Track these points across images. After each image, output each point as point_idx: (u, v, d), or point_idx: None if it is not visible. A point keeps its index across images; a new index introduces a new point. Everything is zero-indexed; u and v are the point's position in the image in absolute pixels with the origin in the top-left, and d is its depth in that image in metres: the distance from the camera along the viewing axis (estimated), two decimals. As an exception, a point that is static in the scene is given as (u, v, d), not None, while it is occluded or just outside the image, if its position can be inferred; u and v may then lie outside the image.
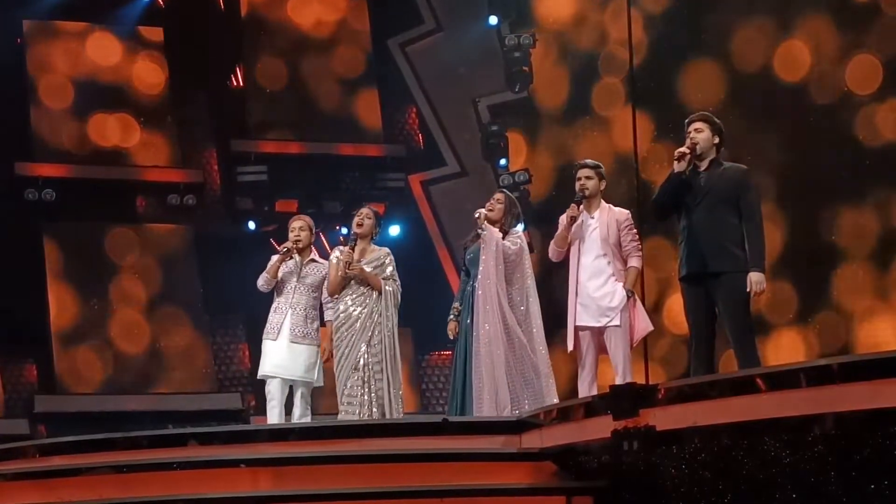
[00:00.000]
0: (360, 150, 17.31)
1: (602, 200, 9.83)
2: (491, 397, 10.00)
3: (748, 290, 8.56)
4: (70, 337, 16.01)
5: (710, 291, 8.65)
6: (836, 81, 13.75)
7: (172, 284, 16.41)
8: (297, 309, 10.58)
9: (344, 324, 10.50)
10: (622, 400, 7.52)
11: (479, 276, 10.27)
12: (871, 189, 13.41)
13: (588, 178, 9.76)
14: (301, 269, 10.65)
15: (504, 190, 10.87)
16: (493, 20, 16.96)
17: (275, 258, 10.63)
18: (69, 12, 16.59)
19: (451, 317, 10.57)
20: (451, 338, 10.55)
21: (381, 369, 10.39)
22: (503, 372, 10.03)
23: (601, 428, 7.63)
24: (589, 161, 9.98)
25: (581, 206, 9.70)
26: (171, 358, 16.21)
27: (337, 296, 10.52)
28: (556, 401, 9.97)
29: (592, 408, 7.94)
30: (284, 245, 10.65)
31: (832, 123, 13.65)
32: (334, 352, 10.54)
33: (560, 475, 8.23)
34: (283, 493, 8.11)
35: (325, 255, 10.88)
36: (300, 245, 10.66)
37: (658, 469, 7.33)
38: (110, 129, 16.60)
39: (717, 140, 8.86)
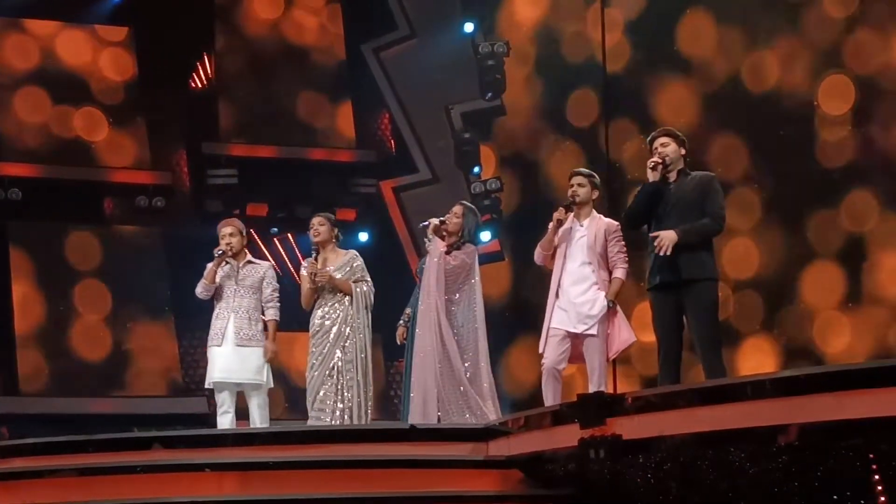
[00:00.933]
0: (332, 155, 17.33)
1: (593, 210, 9.90)
2: (420, 408, 10.10)
3: (657, 240, 8.68)
4: (34, 338, 15.96)
5: (679, 300, 8.72)
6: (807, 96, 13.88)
7: (140, 287, 16.37)
8: (240, 312, 10.63)
9: (319, 331, 10.57)
10: (589, 409, 7.57)
11: (422, 291, 10.40)
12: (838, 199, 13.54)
13: (580, 185, 9.81)
14: (238, 272, 10.70)
15: (464, 203, 10.88)
16: (469, 28, 17.00)
17: (210, 265, 10.68)
18: (37, 10, 16.54)
19: (401, 322, 10.69)
20: (399, 343, 10.67)
21: (353, 376, 10.45)
22: (433, 384, 10.12)
23: (568, 436, 7.67)
24: (583, 169, 10.07)
25: (570, 212, 9.77)
26: (137, 361, 16.18)
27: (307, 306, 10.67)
28: (493, 416, 10.04)
29: (560, 416, 7.99)
30: (218, 249, 10.69)
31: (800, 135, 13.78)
32: (308, 358, 10.60)
33: (527, 483, 8.27)
34: (249, 497, 8.13)
35: (297, 263, 10.94)
36: (232, 250, 10.70)
37: (624, 478, 7.37)
38: (79, 130, 16.57)
39: (683, 151, 8.98)
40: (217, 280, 10.68)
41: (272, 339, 10.62)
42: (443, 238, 10.54)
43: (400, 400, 16.68)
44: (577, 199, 9.77)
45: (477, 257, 10.64)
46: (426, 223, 10.54)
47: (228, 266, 10.72)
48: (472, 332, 10.37)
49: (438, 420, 10.06)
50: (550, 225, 9.78)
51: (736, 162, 14.03)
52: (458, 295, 10.41)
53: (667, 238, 8.69)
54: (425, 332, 10.27)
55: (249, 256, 10.87)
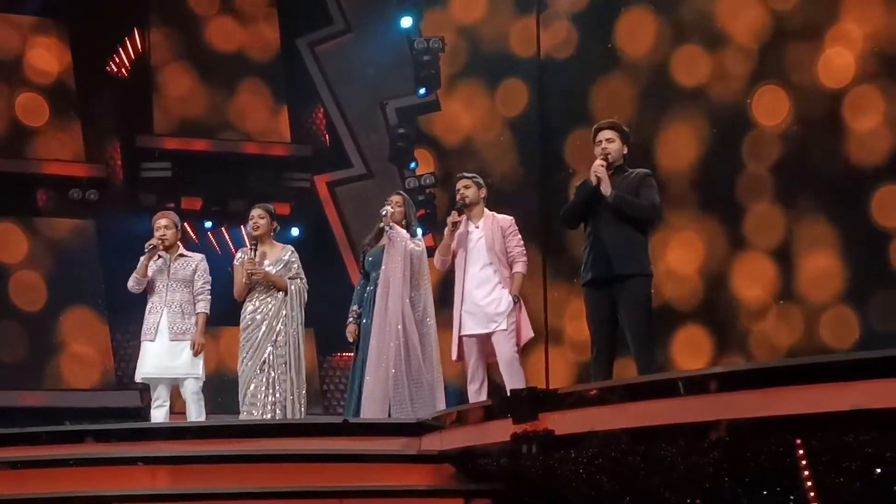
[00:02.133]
0: (267, 149, 17.24)
1: (485, 209, 9.99)
2: (377, 402, 10.05)
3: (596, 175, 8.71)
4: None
5: (613, 296, 8.73)
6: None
7: (73, 280, 16.22)
8: (173, 306, 10.58)
9: (250, 325, 10.52)
10: (522, 404, 7.59)
11: (381, 279, 10.31)
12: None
13: (466, 187, 10.01)
14: (170, 266, 10.65)
15: (401, 192, 10.93)
16: (407, 23, 16.95)
17: (142, 258, 10.61)
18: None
19: (351, 319, 10.63)
20: (351, 340, 10.60)
21: (286, 370, 10.40)
22: (392, 376, 10.08)
23: (501, 431, 7.69)
24: (466, 172, 10.24)
25: (462, 215, 9.84)
26: (70, 354, 16.04)
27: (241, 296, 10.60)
28: (443, 406, 10.06)
29: (492, 411, 8.00)
30: (150, 243, 10.63)
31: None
32: (239, 352, 10.56)
33: (459, 477, 8.28)
34: (181, 491, 8.09)
35: (230, 257, 10.87)
36: (166, 242, 10.66)
37: (556, 473, 7.40)
38: (8, 122, 16.37)
39: (625, 150, 8.98)
40: (149, 274, 10.62)
41: (201, 333, 10.57)
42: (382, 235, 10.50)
43: (332, 395, 16.74)
44: (468, 201, 9.87)
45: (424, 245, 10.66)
46: (384, 212, 10.45)
47: (161, 260, 10.67)
48: (425, 325, 10.33)
49: (389, 414, 10.01)
50: (446, 230, 9.87)
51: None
52: (415, 285, 10.37)
53: (600, 170, 8.72)
54: (389, 322, 10.18)
55: (182, 249, 10.81)
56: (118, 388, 16.06)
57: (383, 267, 10.33)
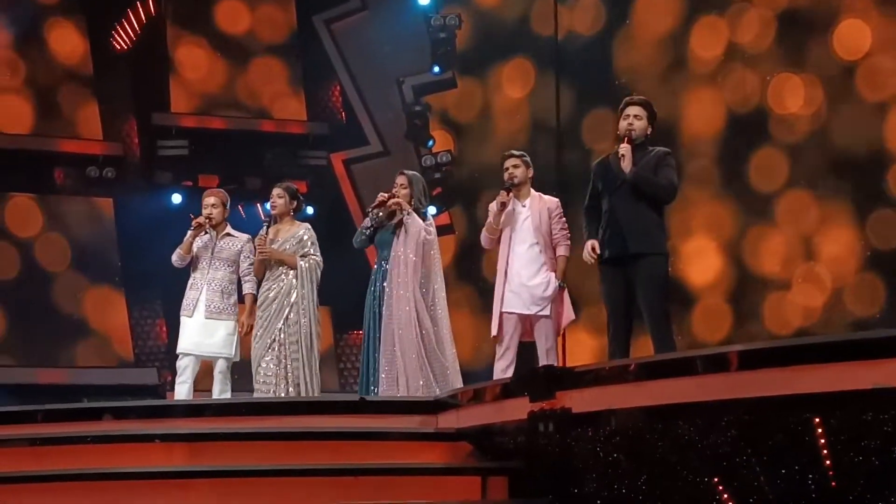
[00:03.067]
0: (283, 126, 17.20)
1: (531, 188, 9.94)
2: (400, 383, 9.99)
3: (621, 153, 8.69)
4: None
5: (628, 274, 8.69)
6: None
7: (90, 258, 16.23)
8: (213, 284, 10.57)
9: (263, 302, 10.54)
10: (539, 382, 7.55)
11: (392, 264, 10.23)
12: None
13: (515, 166, 9.93)
14: (216, 244, 10.63)
15: (405, 172, 10.65)
16: (424, 0, 16.85)
17: (188, 234, 10.59)
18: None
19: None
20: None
21: (298, 349, 10.39)
22: (413, 360, 10.02)
23: (517, 409, 7.65)
24: (514, 150, 10.14)
25: (510, 194, 9.77)
26: (88, 331, 16.05)
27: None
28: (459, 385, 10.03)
29: (509, 389, 7.97)
30: (197, 220, 10.61)
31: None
32: (253, 329, 10.54)
33: (476, 455, 8.25)
34: (198, 468, 8.06)
35: (245, 233, 10.83)
36: (213, 221, 10.64)
37: (573, 451, 7.35)
38: (27, 100, 16.35)
39: (650, 130, 8.92)
40: (193, 250, 10.60)
41: (249, 313, 10.55)
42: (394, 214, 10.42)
43: (350, 372, 16.73)
44: (516, 181, 9.81)
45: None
46: (391, 200, 10.36)
47: (207, 237, 10.65)
48: (439, 301, 10.28)
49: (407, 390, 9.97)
50: (493, 207, 9.81)
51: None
52: (424, 273, 10.31)
53: (626, 151, 8.69)
54: (401, 307, 10.12)
55: (229, 229, 10.79)
56: (136, 366, 16.08)
57: (394, 252, 10.25)
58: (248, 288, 10.62)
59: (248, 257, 10.64)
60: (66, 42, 16.62)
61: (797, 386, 6.26)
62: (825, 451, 6.17)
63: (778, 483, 6.39)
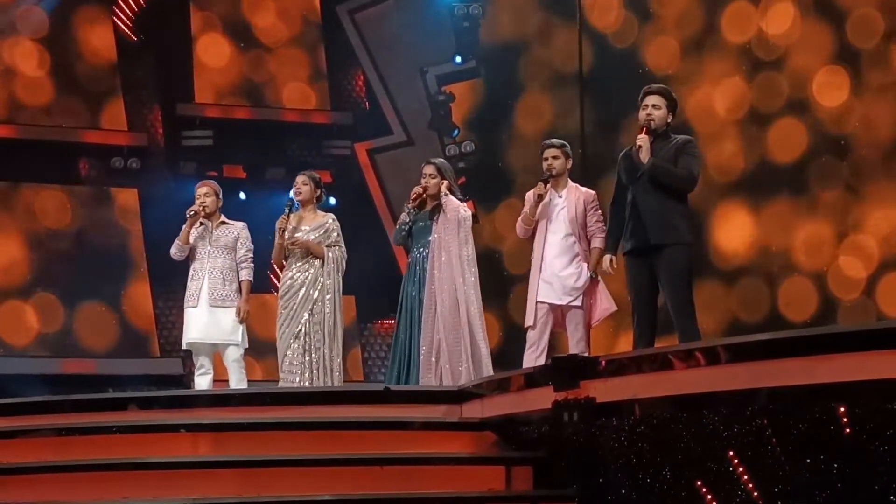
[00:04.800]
0: (307, 116, 17.21)
1: (569, 179, 9.92)
2: (442, 370, 9.96)
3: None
4: (7, 294, 15.85)
5: (652, 265, 8.70)
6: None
7: (116, 248, 16.27)
8: (214, 272, 10.65)
9: (287, 292, 10.55)
10: (563, 372, 7.56)
11: (434, 246, 10.19)
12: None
13: (555, 157, 9.86)
14: (212, 233, 10.71)
15: (432, 161, 10.58)
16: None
17: (185, 225, 10.68)
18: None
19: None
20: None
21: (322, 338, 10.42)
22: (456, 345, 9.99)
23: (542, 399, 7.67)
24: (555, 140, 10.06)
25: (548, 185, 9.74)
26: (113, 321, 16.10)
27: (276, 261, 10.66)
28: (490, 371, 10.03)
29: (534, 379, 7.99)
30: (191, 210, 10.69)
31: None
32: (277, 320, 10.58)
33: (500, 445, 8.27)
34: (223, 458, 8.10)
35: (271, 226, 10.87)
36: (206, 210, 10.72)
37: (597, 440, 7.37)
38: (51, 91, 16.38)
39: (670, 118, 8.91)
40: (191, 241, 10.70)
41: (245, 300, 10.64)
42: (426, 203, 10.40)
43: (374, 362, 16.75)
44: (555, 172, 9.79)
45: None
46: (425, 188, 10.35)
47: (203, 227, 10.75)
48: (475, 291, 10.25)
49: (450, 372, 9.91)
50: (529, 199, 9.77)
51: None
52: (467, 250, 10.28)
53: (643, 142, 8.68)
54: (444, 291, 10.05)
55: (223, 217, 10.87)
56: (161, 356, 16.12)
57: (434, 235, 10.22)
58: (244, 275, 10.69)
59: (245, 244, 10.75)
60: (92, 32, 16.65)
61: (822, 375, 6.25)
62: (850, 441, 6.17)
63: (803, 473, 6.39)
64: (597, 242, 9.72)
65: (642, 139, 8.76)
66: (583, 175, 12.74)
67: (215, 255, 10.69)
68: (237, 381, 10.58)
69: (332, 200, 16.12)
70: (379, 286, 14.59)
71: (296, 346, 10.44)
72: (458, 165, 15.64)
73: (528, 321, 9.80)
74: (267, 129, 16.93)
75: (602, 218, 9.76)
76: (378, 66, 17.30)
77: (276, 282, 15.72)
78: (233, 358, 10.62)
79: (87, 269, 16.04)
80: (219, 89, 17.00)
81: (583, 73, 15.26)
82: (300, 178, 10.78)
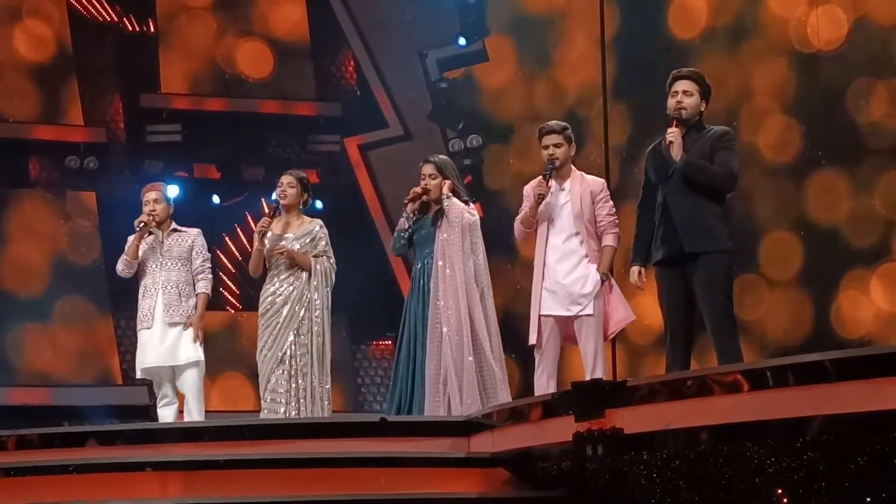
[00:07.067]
0: (289, 108, 17.25)
1: (573, 168, 9.81)
2: (452, 393, 9.94)
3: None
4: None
5: (686, 275, 8.67)
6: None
7: (70, 262, 16.27)
8: (168, 287, 10.67)
9: (269, 309, 10.55)
10: (586, 399, 7.56)
11: (438, 253, 10.18)
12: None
13: (557, 144, 9.70)
14: (163, 243, 10.72)
15: (430, 159, 10.52)
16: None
17: (131, 238, 10.67)
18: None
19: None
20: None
21: (309, 361, 10.42)
22: (465, 365, 9.98)
23: (562, 430, 7.67)
24: (555, 124, 9.89)
25: (550, 180, 9.65)
26: (69, 346, 16.10)
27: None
28: (505, 394, 10.02)
29: (552, 407, 7.99)
30: (139, 220, 10.67)
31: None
32: (258, 341, 10.59)
33: (514, 483, 8.28)
34: (196, 500, 8.12)
35: (250, 233, 10.90)
36: (157, 218, 10.72)
37: (626, 477, 7.38)
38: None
39: (704, 106, 8.87)
40: (140, 255, 10.66)
41: (200, 316, 10.64)
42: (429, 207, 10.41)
43: (368, 389, 16.76)
44: (557, 163, 9.68)
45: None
46: (426, 190, 10.36)
47: (152, 237, 10.73)
48: (488, 302, 10.23)
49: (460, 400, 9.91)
50: (527, 194, 9.70)
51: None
52: (475, 256, 10.27)
53: (674, 138, 8.68)
54: (450, 304, 10.06)
55: (175, 224, 10.87)
56: (123, 384, 16.11)
57: (437, 243, 10.17)
58: (201, 287, 10.72)
59: (201, 253, 10.80)
60: (42, 14, 16.67)
61: (882, 401, 6.25)
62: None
63: (861, 513, 6.41)
64: (609, 240, 9.63)
65: (673, 133, 8.72)
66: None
67: (168, 266, 10.71)
68: (198, 413, 10.58)
69: (319, 204, 16.13)
70: (373, 301, 14.63)
71: (280, 371, 10.44)
72: (463, 163, 15.66)
73: (532, 339, 9.71)
74: (243, 123, 16.97)
75: (614, 210, 9.69)
76: (371, 49, 17.31)
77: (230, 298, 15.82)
78: (189, 383, 10.62)
79: (37, 284, 16.05)
80: (189, 77, 17.02)
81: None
82: (286, 179, 10.73)
